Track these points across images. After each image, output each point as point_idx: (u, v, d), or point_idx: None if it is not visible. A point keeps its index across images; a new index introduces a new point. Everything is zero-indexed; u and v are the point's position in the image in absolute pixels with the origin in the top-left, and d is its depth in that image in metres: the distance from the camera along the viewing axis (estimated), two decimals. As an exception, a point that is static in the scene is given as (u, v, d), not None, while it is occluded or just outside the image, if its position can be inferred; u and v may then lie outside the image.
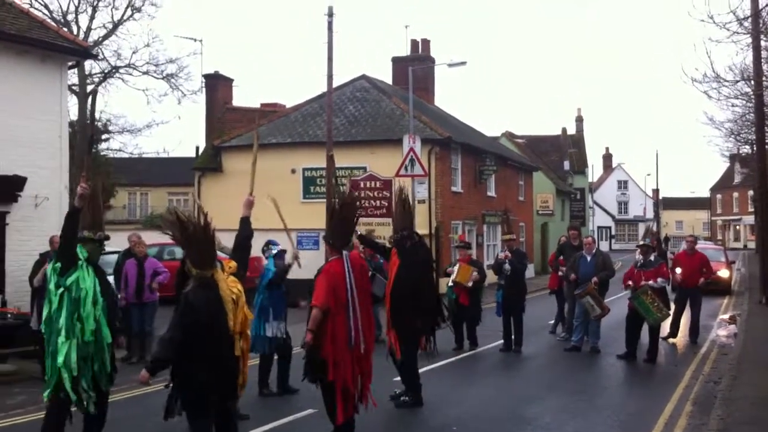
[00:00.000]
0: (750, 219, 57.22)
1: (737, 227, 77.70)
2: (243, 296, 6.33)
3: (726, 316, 18.76)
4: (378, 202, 21.29)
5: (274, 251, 10.05)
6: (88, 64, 31.68)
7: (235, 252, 6.97)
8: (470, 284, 13.71)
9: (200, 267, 6.06)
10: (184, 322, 5.94)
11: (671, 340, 14.85)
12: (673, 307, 13.98)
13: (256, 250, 8.25)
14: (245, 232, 7.01)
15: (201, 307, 5.96)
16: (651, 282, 12.61)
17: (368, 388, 7.36)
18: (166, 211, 6.72)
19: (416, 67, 27.42)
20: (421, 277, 9.40)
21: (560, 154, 50.45)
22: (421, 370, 9.70)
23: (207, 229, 6.13)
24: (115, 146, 40.57)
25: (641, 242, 13.45)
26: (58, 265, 6.52)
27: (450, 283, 13.95)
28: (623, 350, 12.95)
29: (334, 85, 23.50)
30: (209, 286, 6.04)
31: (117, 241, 17.43)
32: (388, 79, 33.25)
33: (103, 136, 37.02)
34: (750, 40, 15.32)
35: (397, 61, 33.27)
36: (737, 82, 18.72)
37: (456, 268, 13.95)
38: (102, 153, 38.06)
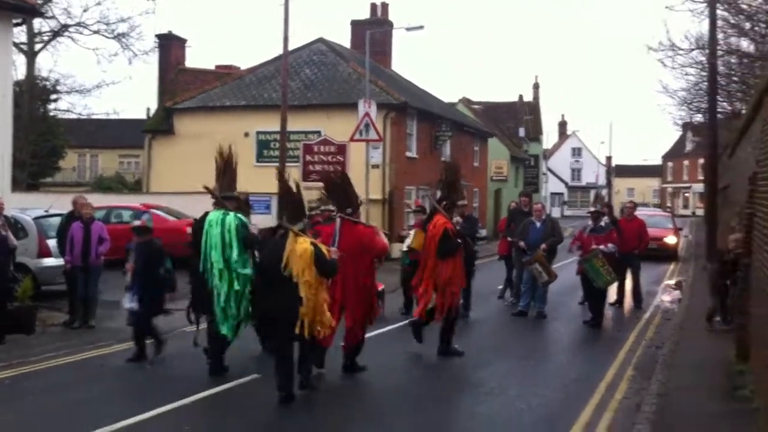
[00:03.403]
0: (699, 187, 58.22)
1: (686, 195, 79.24)
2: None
3: (671, 282, 19.13)
4: (332, 167, 21.16)
5: None
6: (37, 22, 30.78)
7: None
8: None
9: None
10: None
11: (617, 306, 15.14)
12: None
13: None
14: None
15: None
16: (602, 246, 12.81)
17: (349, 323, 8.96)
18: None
19: (374, 31, 27.19)
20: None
21: (516, 121, 50.70)
22: (368, 335, 9.70)
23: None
24: (63, 107, 39.69)
25: (592, 208, 13.62)
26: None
27: (404, 248, 13.92)
28: (570, 315, 13.14)
29: (291, 48, 23.17)
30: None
31: (65, 204, 16.99)
32: (346, 43, 32.92)
33: (52, 96, 36.10)
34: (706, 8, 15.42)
35: (355, 25, 32.93)
36: (692, 50, 18.98)
37: (412, 233, 13.91)
38: (50, 113, 37.14)
